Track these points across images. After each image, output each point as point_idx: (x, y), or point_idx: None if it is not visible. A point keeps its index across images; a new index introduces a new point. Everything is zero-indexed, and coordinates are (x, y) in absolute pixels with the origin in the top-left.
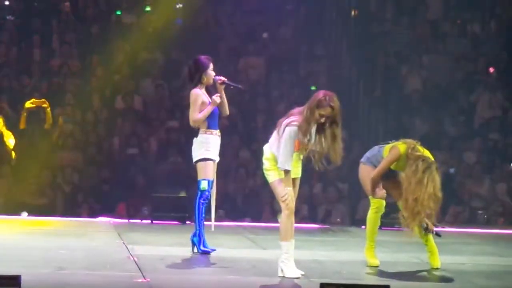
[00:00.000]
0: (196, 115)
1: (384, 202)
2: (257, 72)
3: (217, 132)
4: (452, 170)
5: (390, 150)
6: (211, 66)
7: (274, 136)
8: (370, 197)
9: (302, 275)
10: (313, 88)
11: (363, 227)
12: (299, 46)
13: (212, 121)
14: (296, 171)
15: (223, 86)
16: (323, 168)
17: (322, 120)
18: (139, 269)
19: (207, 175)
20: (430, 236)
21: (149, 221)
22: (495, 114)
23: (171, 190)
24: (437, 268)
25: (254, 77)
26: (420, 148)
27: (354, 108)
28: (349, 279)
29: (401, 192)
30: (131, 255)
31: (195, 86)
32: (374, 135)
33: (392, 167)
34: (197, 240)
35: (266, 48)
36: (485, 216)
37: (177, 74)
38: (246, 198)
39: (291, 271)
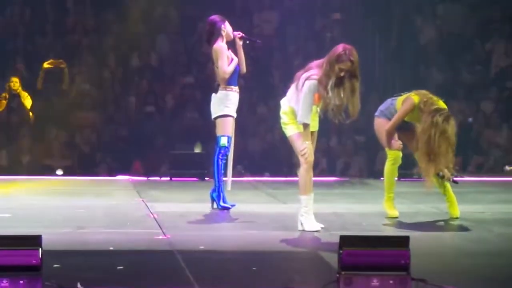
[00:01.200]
0: (226, 67)
1: (400, 154)
2: (271, 27)
3: (236, 89)
4: (470, 120)
5: (404, 101)
6: (226, 22)
7: (292, 90)
8: (386, 149)
9: (322, 228)
10: (328, 34)
11: (382, 179)
12: None
13: (231, 77)
14: (314, 125)
15: (242, 42)
16: (343, 121)
17: (342, 74)
18: (159, 226)
19: (226, 131)
20: (448, 186)
21: (168, 179)
22: (511, 63)
23: (189, 147)
24: (456, 218)
25: (268, 32)
26: (435, 98)
27: (370, 60)
28: (369, 231)
29: (417, 143)
30: (150, 212)
31: (216, 40)
32: (390, 87)
33: (406, 118)
34: (217, 195)
35: (280, 2)
36: (506, 167)
37: (192, 30)
38: (264, 153)
39: (311, 224)
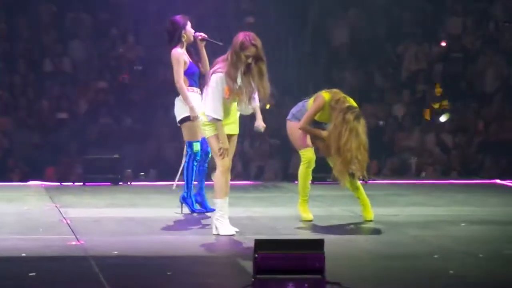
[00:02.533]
0: (180, 79)
1: (314, 157)
2: None
3: (197, 90)
4: (381, 123)
5: (315, 99)
6: (188, 23)
7: (205, 89)
8: (300, 151)
9: (236, 232)
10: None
11: (296, 182)
12: (227, 1)
13: (191, 79)
14: (233, 128)
15: (203, 43)
16: (266, 105)
17: (249, 60)
18: (73, 231)
19: (196, 136)
20: (362, 189)
21: (81, 184)
22: (422, 67)
23: (102, 151)
24: (370, 220)
25: None
26: (346, 97)
27: (284, 64)
28: (283, 235)
29: (329, 145)
30: (64, 218)
31: (175, 45)
32: (304, 90)
33: (317, 118)
34: (188, 200)
35: (193, 6)
36: (415, 166)
37: (105, 35)
38: (180, 157)
39: (226, 228)
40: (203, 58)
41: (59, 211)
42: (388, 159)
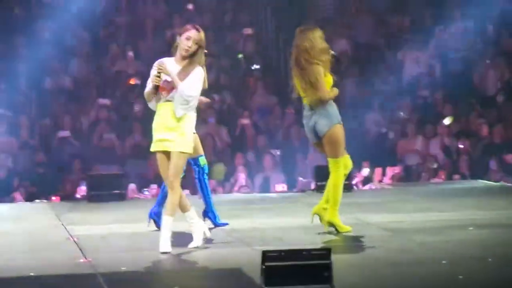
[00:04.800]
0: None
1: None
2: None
3: None
4: (385, 130)
5: (314, 70)
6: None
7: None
8: (340, 158)
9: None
10: (239, 55)
11: (293, 191)
12: (224, 15)
13: None
14: (165, 144)
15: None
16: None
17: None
18: (80, 249)
19: (198, 151)
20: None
21: (87, 200)
22: (422, 71)
23: (106, 168)
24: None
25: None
26: None
27: (283, 75)
28: (290, 245)
29: None
30: (70, 236)
31: None
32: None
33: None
34: (212, 214)
35: (192, 19)
36: (422, 173)
37: (105, 52)
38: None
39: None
40: None
41: (66, 229)
42: (392, 165)
